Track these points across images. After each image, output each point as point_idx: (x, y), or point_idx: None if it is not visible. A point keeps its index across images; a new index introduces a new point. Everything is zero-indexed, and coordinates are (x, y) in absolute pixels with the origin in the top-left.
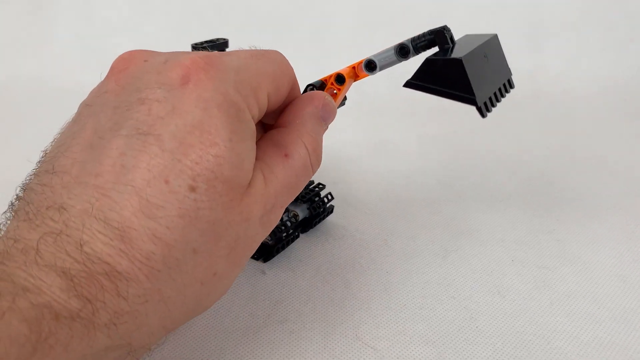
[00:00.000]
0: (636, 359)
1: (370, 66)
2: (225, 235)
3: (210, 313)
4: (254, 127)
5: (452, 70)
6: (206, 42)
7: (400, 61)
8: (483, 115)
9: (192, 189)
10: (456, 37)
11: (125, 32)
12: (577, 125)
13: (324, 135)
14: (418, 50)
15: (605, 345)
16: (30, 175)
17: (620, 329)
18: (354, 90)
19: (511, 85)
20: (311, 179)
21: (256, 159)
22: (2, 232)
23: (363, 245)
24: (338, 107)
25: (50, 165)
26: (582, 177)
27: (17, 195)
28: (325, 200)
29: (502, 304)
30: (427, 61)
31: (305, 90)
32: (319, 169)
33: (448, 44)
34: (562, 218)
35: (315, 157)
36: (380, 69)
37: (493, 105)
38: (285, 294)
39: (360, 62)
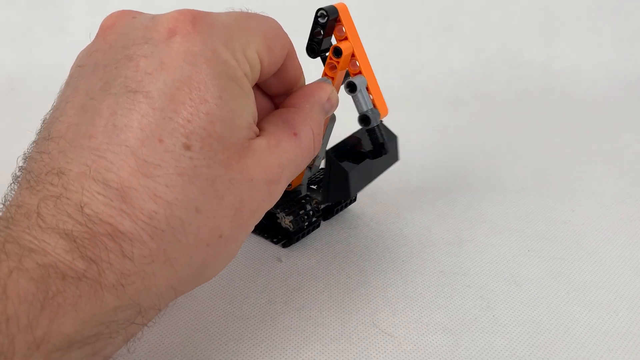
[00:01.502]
0: None
1: (351, 88)
2: (227, 194)
3: (228, 299)
4: (247, 85)
5: (340, 179)
6: None
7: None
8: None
9: (187, 147)
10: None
11: None
12: (590, 117)
13: (335, 125)
14: (368, 132)
15: (623, 335)
16: (31, 145)
17: (638, 319)
18: None
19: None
20: None
21: (265, 130)
22: (8, 202)
23: (379, 234)
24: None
25: (47, 132)
26: (597, 169)
27: (20, 166)
28: None
29: (518, 293)
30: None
31: (315, 15)
32: None
33: (372, 156)
34: (577, 209)
35: (317, 141)
36: (351, 98)
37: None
38: (302, 281)
39: (355, 59)
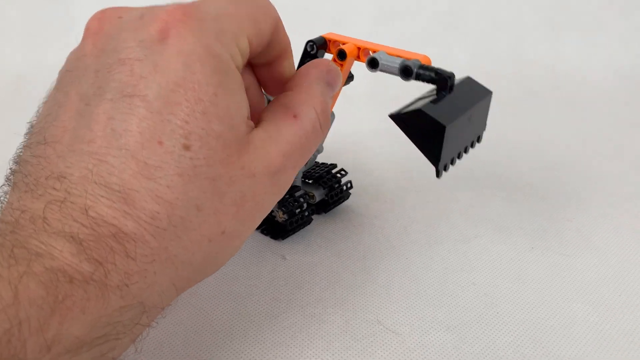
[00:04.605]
0: None
1: (373, 64)
2: (229, 191)
3: (232, 297)
4: (240, 78)
5: (433, 130)
6: None
7: (399, 76)
8: (438, 176)
9: (187, 147)
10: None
11: None
12: (597, 114)
13: (339, 118)
14: (418, 78)
15: (627, 333)
16: (21, 147)
17: None
18: (371, 78)
19: (479, 140)
20: (334, 163)
21: (264, 119)
22: (5, 204)
23: (382, 232)
24: (345, 85)
25: (41, 136)
26: (602, 166)
27: (11, 168)
28: (345, 188)
29: (522, 291)
30: (420, 112)
31: (305, 47)
32: (337, 156)
33: (446, 91)
34: (582, 206)
35: (324, 119)
36: (381, 70)
37: (452, 164)
38: (306, 279)
39: (365, 48)
